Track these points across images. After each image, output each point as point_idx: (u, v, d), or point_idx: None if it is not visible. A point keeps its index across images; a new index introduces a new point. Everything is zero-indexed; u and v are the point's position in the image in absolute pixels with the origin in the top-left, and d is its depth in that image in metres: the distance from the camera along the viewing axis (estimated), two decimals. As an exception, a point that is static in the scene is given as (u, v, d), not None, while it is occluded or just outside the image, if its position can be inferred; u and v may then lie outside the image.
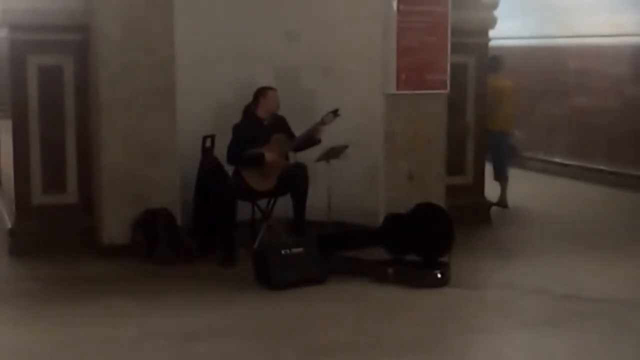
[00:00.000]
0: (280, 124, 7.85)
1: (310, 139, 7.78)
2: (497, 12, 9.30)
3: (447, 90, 8.51)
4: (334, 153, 7.86)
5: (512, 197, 10.58)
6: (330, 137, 7.80)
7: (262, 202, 7.94)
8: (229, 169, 7.87)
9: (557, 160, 12.17)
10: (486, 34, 9.33)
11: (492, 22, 9.29)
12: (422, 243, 7.25)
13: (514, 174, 10.94)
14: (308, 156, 7.89)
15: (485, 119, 9.44)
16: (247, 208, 7.87)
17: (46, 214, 8.00)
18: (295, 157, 8.01)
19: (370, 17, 8.35)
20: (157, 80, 7.77)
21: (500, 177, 10.15)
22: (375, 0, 8.32)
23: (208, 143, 8.02)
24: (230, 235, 7.58)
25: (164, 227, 7.67)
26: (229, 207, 7.52)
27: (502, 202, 10.03)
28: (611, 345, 5.78)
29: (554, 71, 11.34)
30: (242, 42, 8.46)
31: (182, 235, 7.78)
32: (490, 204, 9.59)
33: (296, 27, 8.61)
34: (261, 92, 7.83)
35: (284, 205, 7.90)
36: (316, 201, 7.88)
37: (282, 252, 6.98)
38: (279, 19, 8.56)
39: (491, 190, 9.74)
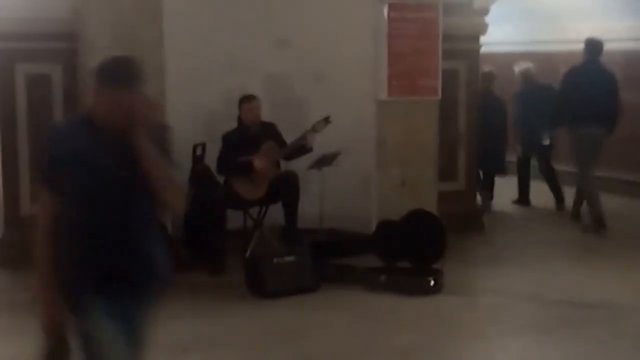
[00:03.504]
0: (270, 132, 7.81)
1: (302, 147, 7.74)
2: (488, 18, 9.30)
3: (439, 96, 8.49)
4: (326, 160, 7.83)
5: (504, 203, 10.57)
6: (322, 144, 7.78)
7: (254, 210, 7.90)
8: (220, 178, 7.83)
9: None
10: (477, 39, 9.32)
11: (483, 28, 9.28)
12: (415, 250, 7.23)
13: (507, 179, 10.93)
14: (300, 163, 7.86)
15: (476, 125, 9.42)
16: (238, 216, 7.83)
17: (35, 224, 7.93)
18: (286, 165, 7.98)
19: (361, 23, 8.34)
20: (147, 89, 7.71)
21: None
22: (365, 7, 8.30)
23: (199, 151, 7.98)
24: (219, 243, 7.53)
25: (155, 236, 7.62)
26: (218, 216, 7.48)
27: None
28: (605, 351, 5.76)
29: (546, 77, 11.29)
30: (233, 50, 8.43)
31: (173, 245, 7.72)
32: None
33: (287, 35, 8.58)
34: (240, 101, 7.81)
35: (276, 213, 7.86)
36: (308, 208, 7.85)
37: (275, 260, 6.95)
38: (270, 27, 8.53)
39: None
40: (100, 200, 3.34)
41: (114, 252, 3.36)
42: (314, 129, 7.65)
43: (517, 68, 10.70)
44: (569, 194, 10.00)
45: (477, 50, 9.37)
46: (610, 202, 10.36)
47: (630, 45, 10.86)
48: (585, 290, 7.06)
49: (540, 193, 10.55)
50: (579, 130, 9.17)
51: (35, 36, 7.80)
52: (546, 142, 10.29)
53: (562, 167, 10.49)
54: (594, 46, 9.32)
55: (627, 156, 11.07)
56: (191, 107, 8.20)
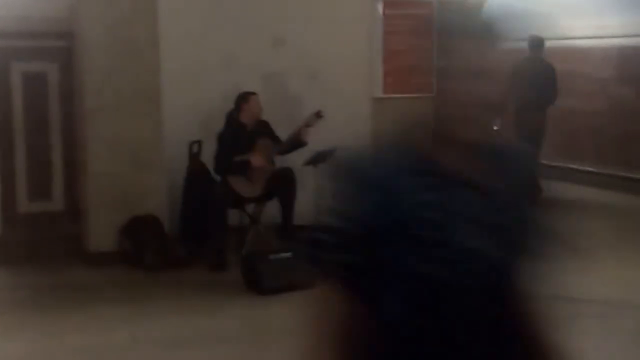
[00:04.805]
0: (264, 129, 7.84)
1: (296, 142, 7.79)
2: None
3: (433, 93, 8.51)
4: (321, 157, 7.85)
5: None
6: (317, 141, 7.80)
7: (250, 207, 7.92)
8: (216, 176, 7.85)
9: (544, 162, 12.18)
10: (472, 37, 9.34)
11: (478, 25, 9.30)
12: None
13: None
14: (295, 160, 7.88)
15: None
16: (235, 213, 7.84)
17: (32, 222, 7.96)
18: (282, 162, 8.00)
19: (356, 21, 8.37)
20: (143, 86, 7.75)
21: None
22: (360, 5, 8.33)
23: (195, 148, 8.00)
24: (221, 239, 7.55)
25: (152, 233, 7.64)
26: (220, 213, 7.50)
27: None
28: (600, 346, 5.78)
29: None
30: (228, 48, 8.45)
31: (170, 242, 7.75)
32: None
33: (282, 33, 8.60)
34: (243, 98, 7.81)
35: (272, 210, 7.88)
36: (304, 205, 7.86)
37: (271, 257, 6.97)
38: (265, 25, 8.55)
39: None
40: (462, 317, 1.93)
41: None
42: (307, 124, 7.71)
43: None
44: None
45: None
46: (605, 198, 10.43)
47: (624, 42, 10.89)
48: (580, 286, 7.08)
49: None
50: (524, 115, 9.98)
51: (32, 34, 7.81)
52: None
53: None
54: (535, 42, 10.28)
55: (623, 152, 11.11)
56: (187, 105, 8.22)
